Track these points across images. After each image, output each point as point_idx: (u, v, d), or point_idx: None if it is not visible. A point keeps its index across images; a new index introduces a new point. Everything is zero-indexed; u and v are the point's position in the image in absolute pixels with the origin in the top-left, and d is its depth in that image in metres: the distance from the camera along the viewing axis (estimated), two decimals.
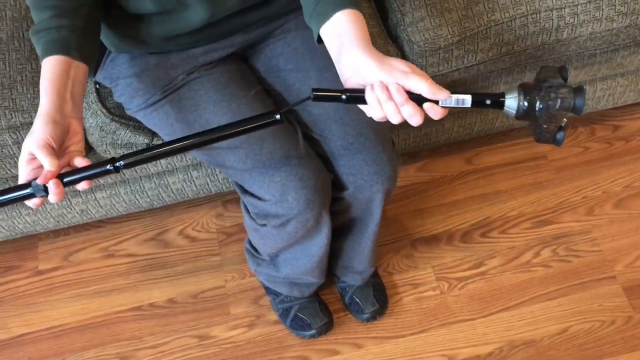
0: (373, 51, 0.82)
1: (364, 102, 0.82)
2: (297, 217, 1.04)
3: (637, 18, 1.26)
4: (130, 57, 1.09)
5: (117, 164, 0.85)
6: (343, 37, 0.84)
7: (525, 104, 0.80)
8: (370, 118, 1.06)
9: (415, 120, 0.81)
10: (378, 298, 1.44)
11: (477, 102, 0.82)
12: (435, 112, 0.81)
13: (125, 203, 1.46)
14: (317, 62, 1.09)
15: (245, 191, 1.10)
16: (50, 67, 0.87)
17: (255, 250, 1.36)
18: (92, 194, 1.42)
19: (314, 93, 0.83)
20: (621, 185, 1.62)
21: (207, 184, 1.46)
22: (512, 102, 0.82)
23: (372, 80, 0.80)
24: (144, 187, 1.43)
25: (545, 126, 0.82)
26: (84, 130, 1.23)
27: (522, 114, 0.82)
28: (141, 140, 1.24)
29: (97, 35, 0.98)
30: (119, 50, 1.09)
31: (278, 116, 0.84)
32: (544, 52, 1.30)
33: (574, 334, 1.43)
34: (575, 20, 1.24)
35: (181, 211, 1.64)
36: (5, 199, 0.84)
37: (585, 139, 1.70)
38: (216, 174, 1.44)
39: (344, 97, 0.83)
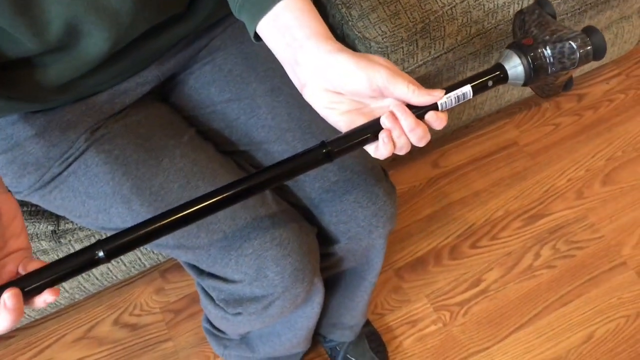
0: (341, 46, 0.59)
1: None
2: (283, 296, 0.77)
3: None
4: (7, 122, 0.78)
5: (105, 250, 0.55)
6: (294, 30, 0.59)
7: (532, 65, 0.63)
8: None
9: (425, 140, 0.60)
10: (376, 350, 1.19)
11: (478, 89, 0.63)
12: (440, 122, 0.60)
13: None
14: (263, 84, 0.82)
15: (202, 272, 0.81)
16: None
17: (217, 329, 1.07)
18: None
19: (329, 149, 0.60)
20: (603, 159, 1.46)
21: (139, 259, 1.16)
22: (516, 72, 0.64)
23: (350, 83, 0.57)
24: None
25: (556, 81, 0.67)
26: None
27: (531, 80, 0.65)
28: (44, 229, 0.92)
29: None
30: None
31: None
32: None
33: (600, 338, 1.24)
34: None
35: (111, 295, 1.32)
36: None
37: (552, 115, 1.53)
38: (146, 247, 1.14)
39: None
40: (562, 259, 1.33)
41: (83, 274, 1.12)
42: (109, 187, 0.76)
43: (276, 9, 0.60)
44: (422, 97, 0.57)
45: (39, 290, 0.53)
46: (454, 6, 1.00)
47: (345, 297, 1.02)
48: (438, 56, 1.05)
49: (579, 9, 1.17)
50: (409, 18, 0.99)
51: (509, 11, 1.05)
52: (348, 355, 1.18)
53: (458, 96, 0.61)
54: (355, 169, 0.79)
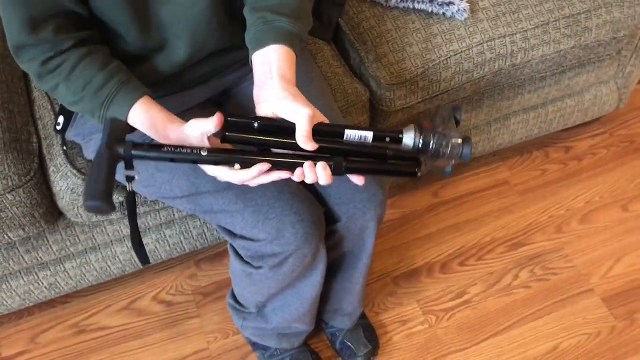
0: (293, 91, 0.85)
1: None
2: (295, 254, 1.02)
3: (580, 39, 1.35)
4: None
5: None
6: (272, 68, 0.87)
7: (420, 143, 0.85)
8: None
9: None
10: (369, 339, 1.41)
11: (377, 138, 0.85)
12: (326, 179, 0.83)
13: (96, 271, 1.39)
14: None
15: (234, 235, 1.07)
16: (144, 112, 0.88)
17: (240, 304, 1.31)
18: (60, 265, 1.34)
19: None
20: (582, 202, 1.68)
21: (181, 242, 1.41)
22: (408, 140, 0.86)
23: (283, 114, 0.83)
24: (115, 252, 1.36)
25: (435, 164, 0.87)
26: (54, 194, 1.17)
27: (416, 152, 0.86)
28: (115, 199, 1.19)
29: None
30: None
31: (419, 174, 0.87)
32: (500, 78, 1.36)
33: (564, 350, 1.44)
34: (527, 45, 1.31)
35: (152, 276, 1.57)
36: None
37: (541, 162, 1.77)
38: (190, 231, 1.40)
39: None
40: (537, 282, 1.54)
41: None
42: (174, 163, 1.03)
43: (268, 48, 0.88)
44: (304, 143, 0.81)
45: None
46: (449, 57, 1.28)
47: (345, 280, 1.25)
48: (435, 96, 1.31)
49: (556, 69, 1.43)
50: (412, 63, 1.26)
51: (495, 65, 1.32)
52: (345, 340, 1.40)
53: (360, 135, 0.84)
54: None
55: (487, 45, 1.29)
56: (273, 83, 0.86)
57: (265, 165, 0.82)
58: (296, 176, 0.83)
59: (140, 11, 0.90)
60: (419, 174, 0.86)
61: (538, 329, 1.47)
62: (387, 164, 0.86)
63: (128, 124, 0.88)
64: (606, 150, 1.79)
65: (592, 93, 1.61)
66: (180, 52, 0.97)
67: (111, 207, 0.77)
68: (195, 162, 0.84)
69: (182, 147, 0.83)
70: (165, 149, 0.83)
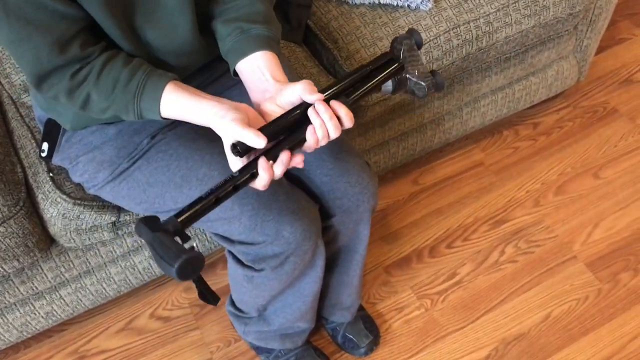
0: (284, 80, 0.92)
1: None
2: (295, 252, 1.04)
3: (540, 18, 1.40)
4: (87, 132, 1.07)
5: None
6: (264, 71, 0.92)
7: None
8: (343, 142, 1.11)
9: (338, 132, 0.87)
10: (370, 329, 1.44)
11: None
12: (345, 114, 0.88)
13: (92, 295, 1.38)
14: None
15: (232, 241, 1.08)
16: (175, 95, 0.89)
17: (240, 310, 1.33)
18: (56, 293, 1.33)
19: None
20: (555, 174, 1.74)
21: None
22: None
23: (289, 100, 0.88)
24: (110, 274, 1.36)
25: (416, 73, 0.92)
26: (46, 221, 1.17)
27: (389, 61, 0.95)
28: (107, 220, 1.19)
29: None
30: (76, 127, 1.07)
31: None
32: (469, 63, 1.40)
33: (556, 317, 1.49)
34: (490, 28, 1.36)
35: (147, 293, 1.57)
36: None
37: (512, 140, 1.83)
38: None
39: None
40: (523, 255, 1.60)
41: (129, 269, 1.38)
42: (165, 177, 1.04)
43: (252, 56, 0.93)
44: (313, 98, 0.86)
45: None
46: None
47: (342, 274, 1.28)
48: None
49: (520, 49, 1.49)
50: None
51: (462, 51, 1.36)
52: (346, 334, 1.42)
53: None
54: (347, 159, 1.08)
55: (454, 33, 1.33)
56: (269, 83, 0.91)
57: (286, 153, 0.85)
58: (320, 133, 0.85)
59: (129, 32, 0.91)
60: (401, 57, 0.92)
61: (529, 300, 1.52)
62: (374, 77, 0.92)
63: (155, 217, 0.82)
64: (572, 122, 1.86)
65: (554, 69, 1.67)
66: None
67: (194, 252, 0.75)
68: (237, 188, 0.83)
69: (216, 186, 0.82)
70: (204, 195, 0.81)
